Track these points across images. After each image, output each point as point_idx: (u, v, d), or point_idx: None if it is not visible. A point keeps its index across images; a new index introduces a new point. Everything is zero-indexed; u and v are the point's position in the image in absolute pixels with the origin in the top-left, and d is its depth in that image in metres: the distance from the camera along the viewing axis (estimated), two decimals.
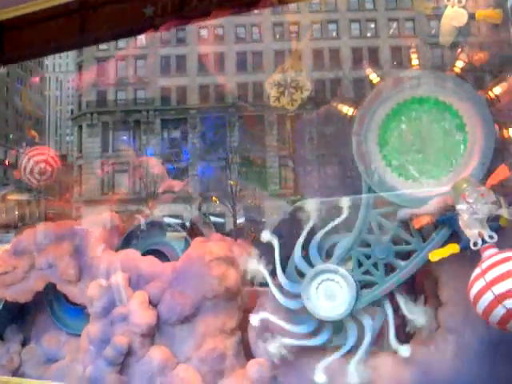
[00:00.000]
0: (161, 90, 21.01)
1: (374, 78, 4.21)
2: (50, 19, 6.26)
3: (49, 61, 29.36)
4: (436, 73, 4.09)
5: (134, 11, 5.80)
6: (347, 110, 4.29)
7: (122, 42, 21.10)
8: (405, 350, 3.86)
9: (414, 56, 4.15)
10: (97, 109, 21.68)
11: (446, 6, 4.07)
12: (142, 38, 20.72)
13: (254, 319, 4.30)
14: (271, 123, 17.60)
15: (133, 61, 21.93)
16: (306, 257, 4.28)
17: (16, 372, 5.72)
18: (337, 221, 4.23)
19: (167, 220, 6.06)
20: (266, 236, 4.37)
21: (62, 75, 30.17)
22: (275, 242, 4.33)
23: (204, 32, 21.34)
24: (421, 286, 4.23)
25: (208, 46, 20.80)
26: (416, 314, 3.88)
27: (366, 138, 4.11)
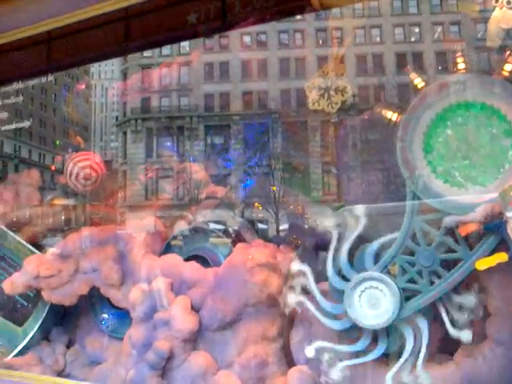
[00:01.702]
0: (204, 96, 21.12)
1: (418, 82, 4.13)
2: (95, 28, 6.37)
3: (94, 68, 29.87)
4: (483, 77, 3.99)
5: (177, 18, 5.86)
6: (391, 115, 4.22)
7: (166, 49, 21.30)
8: (467, 335, 3.74)
9: (459, 60, 4.06)
10: (141, 115, 21.91)
11: (494, 8, 3.97)
12: (185, 46, 20.89)
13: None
14: (314, 129, 17.51)
15: (177, 68, 22.12)
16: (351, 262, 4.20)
17: (61, 373, 5.83)
18: (395, 234, 4.14)
19: (210, 226, 6.07)
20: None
21: (107, 82, 30.67)
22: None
23: (247, 38, 21.39)
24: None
25: (251, 53, 20.84)
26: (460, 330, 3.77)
27: (410, 143, 4.03)
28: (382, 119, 4.28)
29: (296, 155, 17.65)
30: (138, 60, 21.26)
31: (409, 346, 3.96)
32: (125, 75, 23.15)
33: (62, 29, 6.40)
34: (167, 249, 5.83)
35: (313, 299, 4.22)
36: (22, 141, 18.62)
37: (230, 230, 6.26)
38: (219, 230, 6.08)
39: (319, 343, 4.13)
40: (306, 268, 4.26)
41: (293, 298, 4.25)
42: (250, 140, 19.26)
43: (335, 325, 4.19)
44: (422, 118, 4.02)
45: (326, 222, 4.26)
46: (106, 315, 5.90)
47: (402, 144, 4.04)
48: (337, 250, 4.18)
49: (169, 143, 21.21)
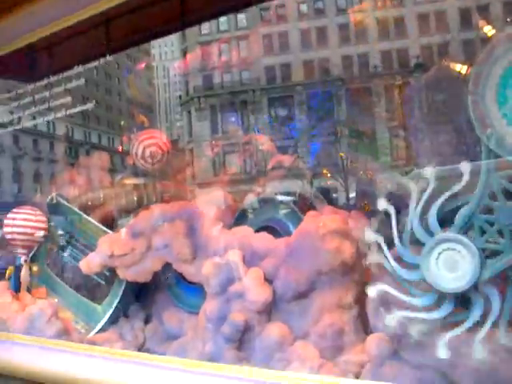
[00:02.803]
0: (265, 69, 21.01)
1: (488, 30, 3.90)
2: (151, 5, 6.36)
3: (155, 50, 30.17)
4: None
5: None
6: (460, 68, 4.00)
7: (223, 25, 21.26)
8: None
9: None
10: (204, 93, 22.01)
11: None
12: (242, 19, 20.81)
13: (372, 291, 4.12)
14: (379, 94, 17.16)
15: (235, 42, 22.05)
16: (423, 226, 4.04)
17: (141, 348, 5.95)
18: (457, 187, 3.96)
19: (279, 197, 6.00)
20: (382, 204, 4.14)
21: (168, 63, 30.92)
22: (392, 211, 4.11)
23: (304, 7, 21.05)
24: None
25: (309, 21, 20.51)
26: None
27: (483, 96, 3.80)
28: (448, 75, 4.08)
29: (362, 121, 17.37)
30: (196, 38, 21.32)
31: (495, 307, 3.79)
32: (185, 54, 23.29)
33: (119, 8, 6.39)
34: (237, 221, 5.83)
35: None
36: (91, 127, 19.09)
37: (300, 199, 6.17)
38: (289, 201, 6.02)
39: (401, 313, 4.02)
40: (379, 237, 4.13)
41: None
42: (315, 108, 19.08)
43: (421, 302, 4.03)
44: (494, 68, 3.79)
45: (381, 202, 4.11)
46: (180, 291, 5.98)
47: (474, 97, 3.83)
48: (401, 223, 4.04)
49: (233, 118, 21.29)
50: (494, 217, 3.80)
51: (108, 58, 6.49)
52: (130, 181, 7.49)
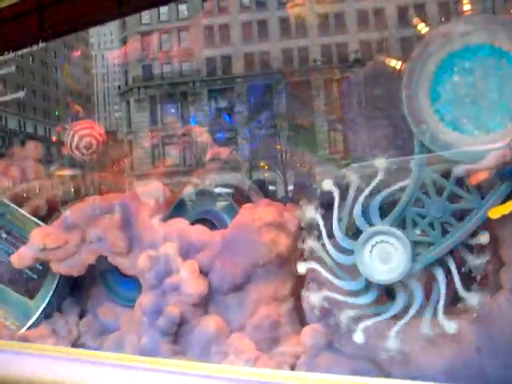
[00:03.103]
0: (206, 60, 20.90)
1: (422, 27, 3.97)
2: None
3: (94, 39, 29.62)
4: (489, 18, 3.82)
5: None
6: (395, 64, 4.07)
7: (164, 15, 21.04)
8: (473, 298, 3.69)
9: (465, 1, 3.88)
10: (143, 83, 21.73)
11: None
12: (184, 10, 20.65)
13: (302, 267, 4.16)
14: (318, 87, 17.33)
15: (176, 33, 21.84)
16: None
17: (75, 343, 5.84)
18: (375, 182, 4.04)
19: (216, 189, 5.98)
20: (327, 185, 4.17)
21: (107, 52, 30.43)
22: (336, 193, 4.14)
23: (245, 0, 21.04)
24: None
25: (250, 14, 20.52)
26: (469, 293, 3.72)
27: (416, 92, 3.88)
28: (385, 70, 4.14)
29: (301, 114, 17.50)
30: (136, 27, 21.02)
31: (418, 298, 3.90)
32: (124, 43, 22.93)
33: None
34: (173, 213, 5.78)
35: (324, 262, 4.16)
36: (27, 116, 18.57)
37: (236, 191, 6.18)
38: (225, 193, 6.01)
39: (327, 293, 4.09)
40: (318, 217, 4.17)
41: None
42: (254, 101, 19.11)
43: (349, 285, 4.12)
44: (427, 64, 3.86)
45: (326, 182, 4.17)
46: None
47: (408, 93, 3.90)
48: (341, 208, 4.10)
49: (173, 110, 21.10)
50: (425, 210, 3.90)
51: (41, 44, 6.29)
52: (64, 171, 7.32)
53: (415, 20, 4.04)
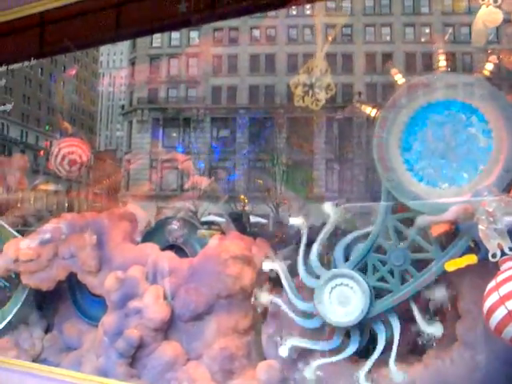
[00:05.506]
0: (212, 88, 21.09)
1: (399, 78, 4.07)
2: (87, 13, 6.33)
3: (103, 57, 29.93)
4: (463, 75, 3.94)
5: (168, 8, 5.83)
6: (370, 111, 4.16)
7: (175, 40, 21.29)
8: (438, 328, 3.74)
9: (441, 58, 3.99)
10: (148, 105, 21.87)
11: (480, 6, 3.89)
12: (195, 37, 20.93)
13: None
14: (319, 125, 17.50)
15: (185, 59, 22.08)
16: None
17: (37, 358, 5.80)
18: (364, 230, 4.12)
19: (190, 218, 6.03)
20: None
21: (115, 71, 30.68)
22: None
23: (256, 33, 21.32)
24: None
25: (260, 47, 20.79)
26: (431, 326, 3.75)
27: (387, 140, 3.97)
28: (360, 116, 4.22)
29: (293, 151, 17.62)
30: (146, 50, 21.25)
31: (380, 344, 3.93)
32: (133, 65, 23.14)
33: (55, 12, 6.33)
34: (145, 238, 5.82)
35: (285, 296, 4.21)
36: (29, 126, 18.71)
37: (211, 221, 6.23)
38: (202, 222, 6.05)
39: (292, 341, 4.12)
40: (277, 266, 4.25)
41: (265, 296, 4.27)
42: (254, 133, 19.26)
43: (306, 323, 4.17)
44: (400, 115, 3.96)
45: (295, 220, 4.25)
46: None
47: (379, 141, 3.99)
48: (307, 247, 4.17)
49: (174, 134, 21.23)
50: (386, 257, 3.95)
51: (42, 59, 6.41)
52: (47, 186, 7.36)
53: (393, 71, 4.14)
